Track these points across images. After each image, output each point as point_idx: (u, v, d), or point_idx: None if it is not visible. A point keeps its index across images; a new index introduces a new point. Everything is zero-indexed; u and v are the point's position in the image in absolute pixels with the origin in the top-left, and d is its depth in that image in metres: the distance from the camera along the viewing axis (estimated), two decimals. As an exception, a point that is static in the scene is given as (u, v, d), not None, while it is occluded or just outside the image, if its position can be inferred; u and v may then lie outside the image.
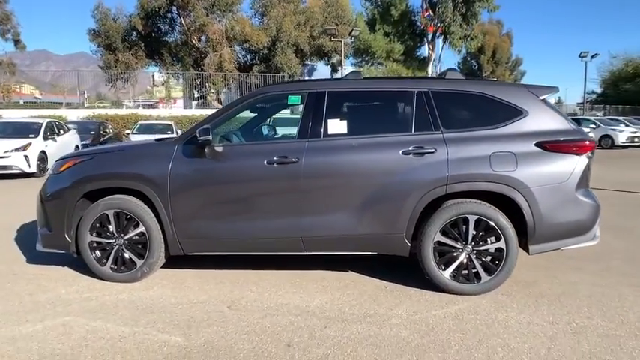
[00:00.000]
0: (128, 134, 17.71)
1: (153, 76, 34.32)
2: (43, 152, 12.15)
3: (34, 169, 11.63)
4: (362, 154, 3.72)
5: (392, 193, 3.66)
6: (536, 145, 3.60)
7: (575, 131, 3.72)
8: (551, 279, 4.03)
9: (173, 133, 17.53)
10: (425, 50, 33.94)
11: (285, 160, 3.74)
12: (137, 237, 3.97)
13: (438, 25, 30.53)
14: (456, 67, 44.14)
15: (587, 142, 3.62)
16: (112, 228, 3.98)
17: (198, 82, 26.46)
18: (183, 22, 25.81)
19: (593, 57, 30.28)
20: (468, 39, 32.23)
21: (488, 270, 3.64)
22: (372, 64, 33.00)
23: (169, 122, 19.01)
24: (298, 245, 3.84)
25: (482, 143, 3.63)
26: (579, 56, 29.44)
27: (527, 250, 3.64)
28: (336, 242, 3.80)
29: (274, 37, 25.51)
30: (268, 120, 5.08)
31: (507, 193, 3.55)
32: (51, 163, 12.58)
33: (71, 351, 2.85)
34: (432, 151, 3.63)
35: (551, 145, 3.59)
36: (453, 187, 3.59)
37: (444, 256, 3.68)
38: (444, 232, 3.65)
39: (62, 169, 4.11)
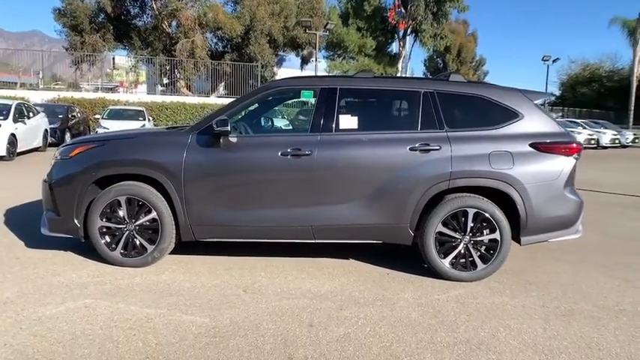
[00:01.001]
0: (97, 119, 17.25)
1: (113, 59, 33.27)
2: (13, 135, 11.75)
3: (3, 152, 11.25)
4: (371, 148, 3.95)
5: (399, 186, 3.91)
6: (530, 145, 3.93)
7: (564, 134, 4.08)
8: (535, 268, 4.40)
9: (145, 119, 17.24)
10: (395, 47, 34.60)
11: (298, 152, 3.93)
12: (148, 223, 4.06)
13: (410, 22, 31.11)
14: (424, 65, 44.72)
15: (574, 145, 3.98)
16: (123, 214, 4.06)
17: (167, 68, 25.95)
18: (154, 5, 25.18)
19: (554, 61, 31.68)
20: (438, 37, 33.03)
21: (484, 259, 3.96)
22: (343, 58, 33.32)
23: (141, 108, 18.63)
24: (308, 234, 4.04)
25: (482, 142, 3.93)
26: (542, 59, 30.73)
27: (518, 241, 3.98)
28: (344, 231, 4.03)
29: (248, 25, 25.29)
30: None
31: (504, 189, 3.87)
32: (21, 146, 12.21)
33: (101, 331, 2.96)
34: (437, 148, 3.90)
35: (543, 146, 3.93)
36: (455, 182, 3.88)
37: (444, 246, 3.97)
38: (444, 224, 3.94)
39: (72, 155, 4.13)
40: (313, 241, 4.10)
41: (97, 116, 17.86)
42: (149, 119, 17.94)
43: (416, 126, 4.02)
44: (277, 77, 29.60)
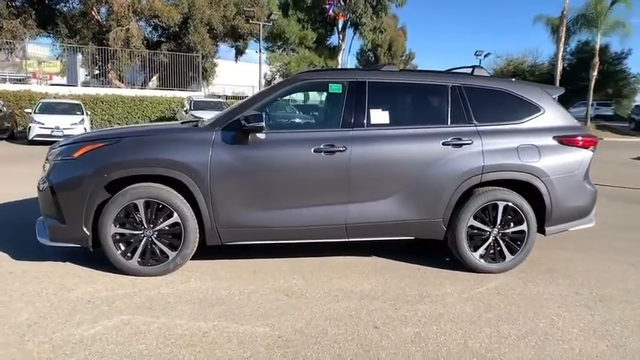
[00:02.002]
0: (29, 113, 15.76)
1: (24, 47, 30.48)
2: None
3: None
4: (405, 144, 3.90)
5: (433, 181, 3.89)
6: (553, 138, 4.07)
7: (581, 127, 4.27)
8: (548, 257, 4.58)
9: (83, 114, 16.02)
10: (335, 39, 34.80)
11: (332, 149, 3.79)
12: (169, 227, 3.75)
13: (350, 15, 31.38)
14: (358, 57, 45.25)
15: (592, 138, 4.18)
16: (141, 218, 3.71)
17: (97, 58, 24.21)
18: (81, -11, 23.37)
19: (486, 56, 33.44)
20: (377, 31, 33.62)
21: (512, 250, 4.06)
22: (283, 50, 32.95)
23: (77, 101, 17.28)
24: (342, 232, 3.92)
25: (510, 136, 4.02)
26: (475, 54, 32.32)
27: (543, 232, 4.12)
28: (379, 229, 3.95)
29: (186, 14, 24.21)
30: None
31: (532, 181, 3.98)
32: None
33: (160, 350, 2.68)
34: (469, 142, 3.93)
35: (565, 139, 4.08)
36: (488, 175, 3.94)
37: (475, 239, 4.02)
38: (474, 217, 3.99)
39: (77, 155, 3.70)
40: (345, 240, 3.98)
41: (28, 110, 16.33)
42: (87, 113, 16.69)
43: (446, 120, 4.02)
44: (217, 69, 28.75)
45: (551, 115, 4.16)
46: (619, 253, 4.80)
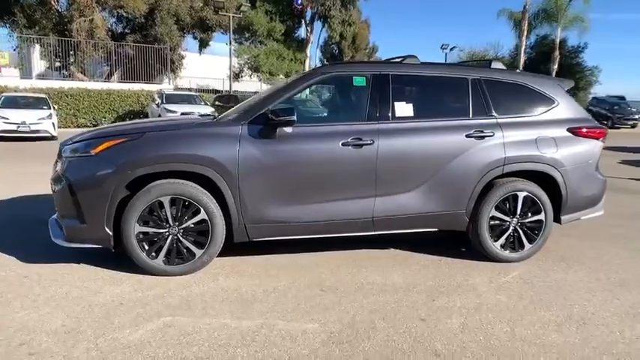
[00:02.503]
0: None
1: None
2: None
3: None
4: (430, 136, 3.93)
5: (457, 173, 3.95)
6: (568, 130, 4.20)
7: (592, 119, 4.42)
8: (555, 246, 4.69)
9: (50, 108, 15.29)
10: (303, 32, 34.56)
11: (360, 142, 3.78)
12: (195, 225, 3.64)
13: (318, 7, 31.22)
14: (320, 49, 45.01)
15: (603, 129, 4.33)
16: (166, 216, 3.59)
17: (58, 49, 23.10)
18: (39, -22, 22.23)
19: (452, 49, 34.13)
20: (346, 24, 33.66)
21: (530, 239, 4.17)
22: (252, 42, 32.46)
23: (42, 95, 16.48)
24: (369, 225, 3.92)
25: (529, 128, 4.12)
26: (441, 48, 32.94)
27: (558, 220, 4.25)
28: (405, 221, 3.98)
29: (152, 4, 23.47)
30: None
31: (550, 172, 4.10)
32: None
33: (216, 352, 2.61)
34: (491, 134, 4.00)
35: (579, 130, 4.22)
36: (509, 167, 4.02)
37: (495, 230, 4.11)
38: (496, 208, 4.07)
39: (96, 151, 3.54)
40: (372, 233, 3.98)
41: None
42: (54, 107, 15.95)
43: (467, 113, 4.07)
44: (185, 61, 28.05)
45: (565, 107, 4.29)
46: (621, 239, 5.01)
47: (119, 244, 3.61)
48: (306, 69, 35.78)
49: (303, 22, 34.39)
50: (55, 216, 3.92)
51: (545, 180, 4.15)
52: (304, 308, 3.17)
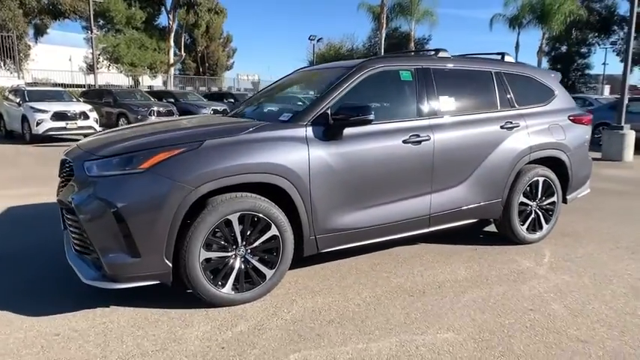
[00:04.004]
0: None
1: None
2: None
3: None
4: (473, 129, 4.00)
5: (496, 163, 4.09)
6: (568, 118, 4.62)
7: (578, 108, 4.93)
8: (557, 223, 5.10)
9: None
10: (165, 19, 32.20)
11: (418, 139, 3.69)
12: (264, 242, 3.20)
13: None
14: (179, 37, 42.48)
15: (590, 117, 4.87)
16: (234, 236, 3.08)
17: None
18: None
19: (319, 40, 35.03)
20: (212, 12, 32.26)
21: (547, 220, 4.53)
22: (108, 30, 29.14)
23: None
24: (425, 223, 3.87)
25: (542, 117, 4.44)
26: (309, 39, 33.61)
27: (565, 201, 4.68)
28: (457, 215, 4.00)
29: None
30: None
31: (561, 157, 4.49)
32: None
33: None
34: (517, 125, 4.23)
35: (577, 118, 4.69)
36: (534, 154, 4.30)
37: (522, 214, 4.37)
38: (523, 194, 4.33)
39: (147, 165, 2.86)
40: (426, 230, 3.93)
41: None
42: None
43: (497, 105, 4.23)
44: (32, 51, 24.23)
45: (561, 97, 4.72)
46: (607, 212, 5.72)
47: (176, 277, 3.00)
48: (170, 59, 33.70)
49: (164, 9, 32.14)
50: (72, 251, 3.10)
51: (554, 164, 4.53)
52: (416, 317, 3.01)
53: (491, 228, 4.75)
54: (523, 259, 4.08)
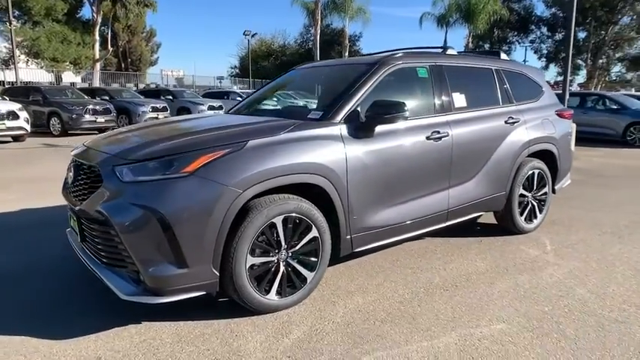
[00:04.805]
0: None
1: None
2: None
3: None
4: (483, 124, 4.13)
5: (502, 158, 4.26)
6: (555, 112, 4.91)
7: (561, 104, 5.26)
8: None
9: None
10: (88, 12, 30.12)
11: (439, 135, 3.74)
12: (305, 245, 3.10)
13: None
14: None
15: (571, 111, 5.20)
16: (278, 240, 2.96)
17: None
18: None
19: (253, 35, 34.51)
20: (142, 5, 30.64)
21: (540, 210, 4.80)
22: (25, 22, 26.71)
23: None
24: (444, 218, 3.94)
25: (535, 112, 4.68)
26: (244, 34, 33.05)
27: (554, 191, 4.97)
28: (469, 209, 4.12)
29: None
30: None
31: (552, 150, 4.76)
32: None
33: None
34: (518, 120, 4.43)
35: (563, 113, 4.99)
36: (531, 148, 4.52)
37: (521, 205, 4.59)
38: (522, 186, 4.55)
39: (192, 168, 2.67)
40: (443, 225, 4.00)
41: None
42: None
43: (499, 101, 4.40)
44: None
45: (548, 93, 5.01)
46: (577, 201, 6.12)
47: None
48: (96, 54, 31.67)
49: (87, 0, 30.10)
50: (100, 264, 2.82)
51: (546, 156, 4.79)
52: (464, 311, 3.05)
53: (483, 220, 4.96)
54: (528, 249, 4.28)
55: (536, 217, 4.76)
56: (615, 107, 13.88)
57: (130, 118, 17.96)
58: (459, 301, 3.21)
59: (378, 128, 3.38)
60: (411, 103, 3.91)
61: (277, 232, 2.94)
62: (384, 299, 3.24)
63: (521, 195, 4.55)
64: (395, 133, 3.50)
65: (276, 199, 2.92)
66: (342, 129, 3.25)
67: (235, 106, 4.65)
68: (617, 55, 38.65)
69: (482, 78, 4.40)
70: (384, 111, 3.28)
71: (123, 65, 49.98)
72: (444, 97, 3.92)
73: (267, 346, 2.64)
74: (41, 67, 27.73)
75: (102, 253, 2.83)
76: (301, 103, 4.32)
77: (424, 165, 3.69)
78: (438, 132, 3.74)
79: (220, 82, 47.38)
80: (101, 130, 16.38)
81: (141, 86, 34.48)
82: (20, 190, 6.64)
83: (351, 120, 3.31)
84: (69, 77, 33.22)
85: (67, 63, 28.67)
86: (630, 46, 37.68)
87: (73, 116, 15.23)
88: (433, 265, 3.88)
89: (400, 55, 3.86)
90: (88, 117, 15.47)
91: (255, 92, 4.90)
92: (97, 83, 30.16)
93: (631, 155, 11.49)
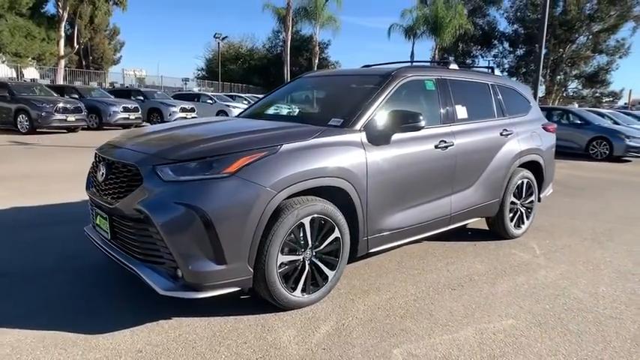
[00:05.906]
0: None
1: None
2: None
3: None
4: (482, 135, 4.42)
5: (497, 167, 4.56)
6: (542, 126, 5.28)
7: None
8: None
9: None
10: (53, 7, 29.10)
11: (445, 144, 4.00)
12: (329, 245, 3.27)
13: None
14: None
15: (555, 125, 5.59)
16: (306, 239, 3.12)
17: None
18: None
19: (224, 39, 34.37)
20: (111, 2, 29.90)
21: (527, 217, 5.14)
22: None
23: None
24: (446, 222, 4.19)
25: (525, 125, 5.02)
26: (214, 36, 32.92)
27: (539, 199, 5.33)
28: (467, 214, 4.38)
29: None
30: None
31: (539, 160, 5.11)
32: None
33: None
34: (511, 132, 4.75)
35: (547, 126, 5.37)
36: (522, 159, 4.85)
37: (511, 212, 4.91)
38: (513, 194, 4.87)
39: (233, 169, 2.79)
40: (445, 229, 4.25)
41: None
42: None
43: (494, 114, 4.71)
44: None
45: (535, 108, 5.38)
46: (553, 209, 6.52)
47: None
48: (61, 51, 30.68)
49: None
50: (137, 261, 2.89)
51: (534, 167, 5.14)
52: (475, 308, 3.29)
53: (473, 225, 5.23)
54: (520, 252, 4.59)
55: (524, 223, 5.10)
56: (579, 122, 14.69)
57: (100, 117, 17.57)
58: (468, 299, 3.44)
59: (395, 136, 3.60)
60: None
61: (305, 232, 3.09)
62: (398, 297, 3.43)
63: (512, 202, 4.87)
64: (408, 141, 3.72)
65: (305, 201, 3.07)
66: (363, 136, 3.44)
67: (245, 110, 4.77)
68: (573, 72, 40.63)
69: (480, 92, 4.70)
70: (403, 120, 3.50)
71: (84, 63, 48.45)
72: (448, 109, 4.18)
73: (301, 339, 2.78)
74: (3, 62, 26.63)
75: (137, 250, 2.90)
76: (312, 110, 4.48)
77: (432, 172, 3.93)
78: (445, 141, 3.99)
79: (186, 83, 46.70)
80: (71, 130, 16.00)
81: (105, 85, 33.62)
82: (6, 189, 6.48)
83: (370, 127, 3.51)
84: (30, 73, 32.03)
85: (30, 59, 27.63)
86: (586, 64, 39.75)
87: (43, 114, 14.76)
88: (436, 266, 4.11)
89: (408, 67, 4.10)
90: (58, 115, 15.03)
91: (263, 98, 5.03)
92: (60, 80, 29.19)
93: (594, 168, 12.23)
